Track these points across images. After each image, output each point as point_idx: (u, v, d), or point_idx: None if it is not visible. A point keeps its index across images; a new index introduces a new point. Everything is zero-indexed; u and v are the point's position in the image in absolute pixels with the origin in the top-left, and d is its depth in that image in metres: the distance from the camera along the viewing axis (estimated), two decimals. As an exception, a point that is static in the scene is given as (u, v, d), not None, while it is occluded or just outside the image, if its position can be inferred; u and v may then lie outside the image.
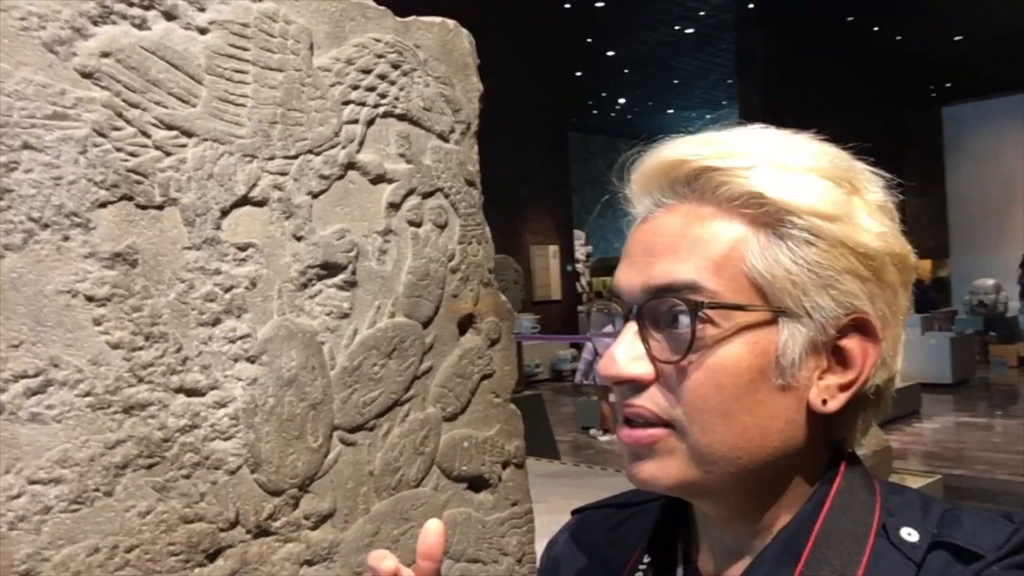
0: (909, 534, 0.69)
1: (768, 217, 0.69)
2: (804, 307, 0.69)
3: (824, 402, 0.71)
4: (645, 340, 0.71)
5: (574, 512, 0.98)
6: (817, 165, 0.71)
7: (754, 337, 0.68)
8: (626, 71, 19.06)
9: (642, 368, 0.70)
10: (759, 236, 0.69)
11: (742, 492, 0.72)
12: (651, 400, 0.70)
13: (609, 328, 0.78)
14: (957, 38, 17.24)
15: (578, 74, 18.65)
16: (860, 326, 0.71)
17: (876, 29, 16.80)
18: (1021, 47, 16.19)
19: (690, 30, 16.58)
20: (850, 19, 16.18)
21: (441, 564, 0.76)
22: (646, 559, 0.81)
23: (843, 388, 0.71)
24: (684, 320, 0.69)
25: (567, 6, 14.34)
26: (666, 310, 0.70)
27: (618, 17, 15.03)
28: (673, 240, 0.71)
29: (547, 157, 17.39)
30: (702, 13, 15.73)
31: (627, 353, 0.70)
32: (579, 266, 19.61)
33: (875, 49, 17.45)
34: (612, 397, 0.77)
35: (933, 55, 17.97)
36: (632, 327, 0.71)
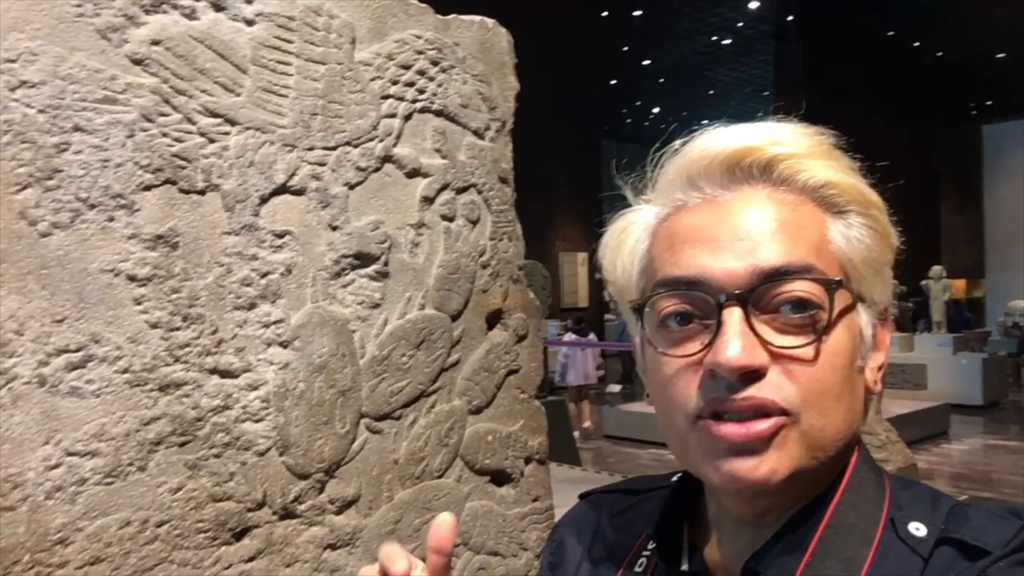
0: (917, 528, 0.69)
1: (838, 207, 0.72)
2: (869, 293, 0.73)
3: (875, 383, 0.74)
4: (752, 326, 0.67)
5: (582, 496, 0.97)
6: (851, 164, 0.75)
7: (848, 319, 0.70)
8: (661, 80, 19.03)
9: (763, 356, 0.66)
10: (836, 223, 0.72)
11: (812, 480, 0.71)
12: (770, 389, 0.66)
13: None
14: (999, 55, 17.01)
15: (613, 82, 18.64)
16: (884, 312, 0.75)
17: (917, 45, 16.63)
18: (1065, 67, 15.93)
19: (727, 41, 16.52)
20: (891, 34, 16.02)
21: (451, 558, 0.72)
22: (651, 545, 0.81)
23: (879, 369, 0.75)
24: (809, 303, 0.68)
25: (604, 14, 14.36)
26: (780, 293, 0.68)
27: (655, 26, 15.02)
28: (772, 223, 0.69)
29: (579, 164, 17.40)
30: (740, 24, 15.67)
31: (745, 341, 0.66)
32: (607, 274, 19.51)
33: (915, 65, 17.26)
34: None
35: (974, 72, 17.74)
36: (736, 313, 0.67)
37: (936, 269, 13.11)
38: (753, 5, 14.77)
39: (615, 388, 13.52)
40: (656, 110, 22.35)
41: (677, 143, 0.77)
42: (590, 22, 14.32)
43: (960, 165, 20.46)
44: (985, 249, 20.64)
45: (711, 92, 19.79)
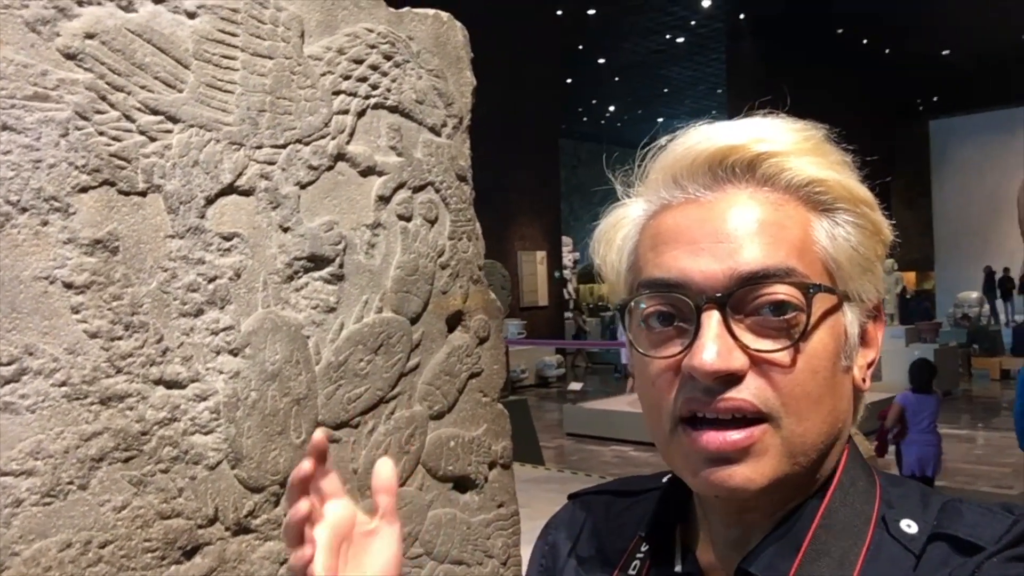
0: (908, 526, 0.69)
1: (824, 204, 0.71)
2: (856, 291, 0.71)
3: (864, 380, 0.73)
4: (730, 330, 0.66)
5: (571, 496, 0.96)
6: (842, 159, 0.73)
7: (832, 321, 0.69)
8: (616, 79, 19.13)
9: (740, 360, 0.66)
10: (822, 222, 0.70)
11: (796, 484, 0.70)
12: (749, 393, 0.66)
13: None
14: (945, 52, 17.40)
15: (568, 81, 18.69)
16: (875, 308, 0.74)
17: (865, 42, 16.94)
18: (1007, 63, 16.36)
19: (681, 39, 16.67)
20: (840, 31, 16.30)
21: (395, 496, 0.79)
22: (644, 547, 0.80)
23: (869, 367, 0.74)
24: (788, 306, 0.66)
25: (559, 12, 14.38)
26: (759, 297, 0.67)
27: (609, 25, 15.08)
28: (753, 225, 0.68)
29: (537, 162, 17.39)
30: (693, 23, 15.81)
31: (721, 345, 0.65)
32: (566, 272, 19.62)
33: (864, 62, 17.59)
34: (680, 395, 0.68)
35: (921, 69, 18.13)
36: (715, 317, 0.66)
37: (888, 262, 13.32)
38: (706, 3, 14.90)
39: (576, 386, 13.54)
40: (612, 108, 22.45)
41: (664, 139, 0.76)
42: (545, 20, 14.32)
43: (909, 160, 20.90)
44: (934, 242, 21.12)
45: (665, 90, 19.95)
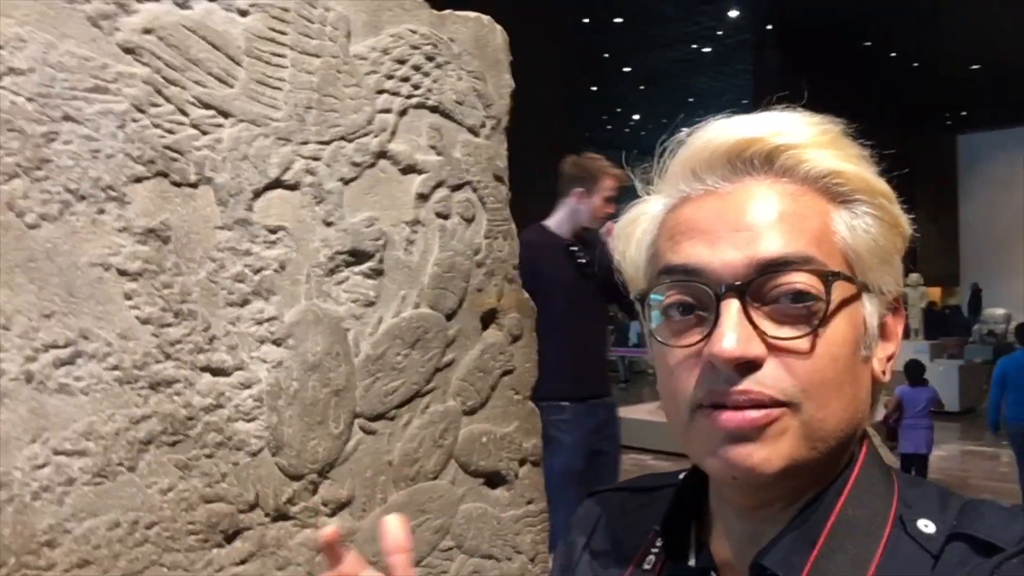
0: (926, 526, 0.69)
1: (843, 196, 0.72)
2: (876, 282, 0.72)
3: (884, 373, 0.74)
4: (750, 318, 0.67)
5: (590, 494, 0.97)
6: (860, 152, 0.75)
7: (851, 310, 0.70)
8: (642, 87, 19.12)
9: (759, 347, 0.66)
10: (841, 213, 0.71)
11: (813, 472, 0.70)
12: (766, 381, 0.67)
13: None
14: (974, 67, 17.25)
15: (593, 88, 18.70)
16: (895, 302, 0.75)
17: (893, 55, 16.83)
18: (1038, 78, 16.19)
19: (707, 49, 16.63)
20: (868, 44, 16.21)
21: (411, 553, 0.76)
22: (659, 542, 0.81)
23: (888, 359, 0.75)
24: (807, 295, 0.67)
25: (585, 20, 14.40)
26: (778, 285, 0.68)
27: (636, 33, 15.09)
28: (772, 214, 0.69)
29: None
30: (720, 32, 15.78)
31: (740, 332, 0.66)
32: (587, 280, 19.60)
33: (892, 75, 17.47)
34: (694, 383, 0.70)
35: (950, 83, 17.98)
36: (734, 305, 0.67)
37: (913, 277, 13.25)
38: (733, 14, 14.88)
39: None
40: (636, 117, 22.44)
41: (683, 133, 0.77)
42: (571, 29, 14.36)
43: (935, 175, 20.71)
44: (960, 257, 20.91)
45: (690, 99, 19.90)
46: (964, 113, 20.86)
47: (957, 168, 21.33)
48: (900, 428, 6.69)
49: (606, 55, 16.46)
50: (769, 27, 15.51)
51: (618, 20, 14.52)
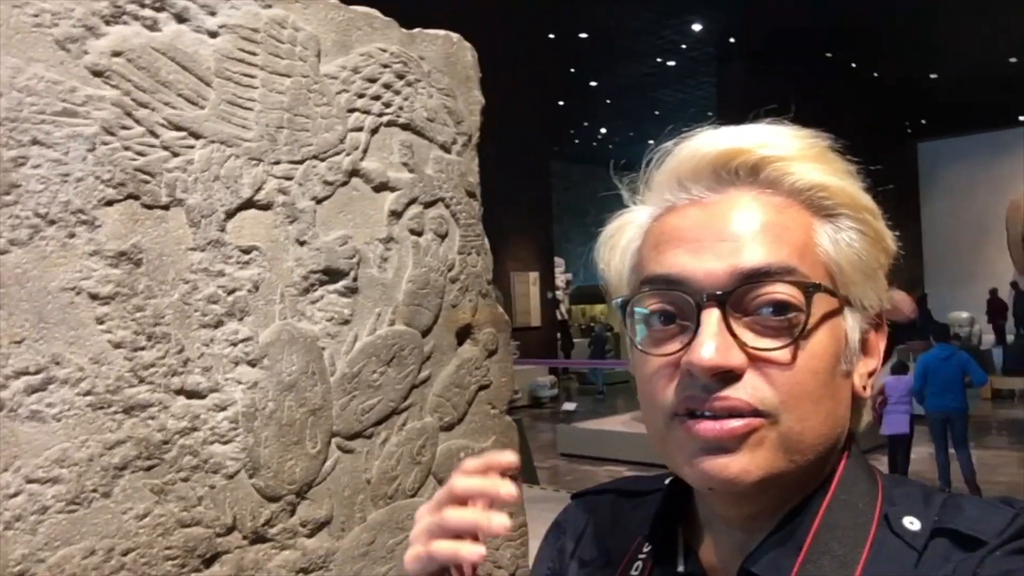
0: (911, 523, 0.70)
1: (827, 210, 0.72)
2: (858, 297, 0.72)
3: (864, 388, 0.74)
4: (730, 328, 0.66)
5: (574, 496, 0.96)
6: (846, 167, 0.75)
7: (832, 323, 0.70)
8: (608, 101, 19.26)
9: (738, 357, 0.66)
10: (825, 227, 0.71)
11: (793, 484, 0.70)
12: (745, 391, 0.66)
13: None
14: (933, 76, 17.62)
15: (561, 103, 18.81)
16: (877, 317, 0.75)
17: (854, 65, 17.13)
18: (995, 86, 16.58)
19: (672, 63, 16.81)
20: (829, 55, 16.49)
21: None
22: (646, 548, 0.81)
23: (869, 375, 0.74)
24: (788, 306, 0.67)
25: (551, 36, 14.50)
26: (759, 295, 0.67)
27: (601, 48, 15.22)
28: (755, 225, 0.69)
29: (529, 184, 17.48)
30: (684, 46, 15.96)
31: (720, 342, 0.65)
32: (559, 293, 19.66)
33: (853, 85, 17.77)
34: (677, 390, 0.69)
35: (909, 92, 18.33)
36: (715, 314, 0.66)
37: (878, 283, 13.40)
38: (696, 28, 15.07)
39: (570, 406, 13.53)
40: (604, 131, 22.60)
41: (670, 143, 0.77)
42: (537, 44, 14.44)
43: (898, 182, 21.05)
44: (924, 263, 21.26)
45: (656, 112, 20.07)
46: (924, 121, 21.27)
47: (919, 176, 21.71)
48: (884, 411, 7.53)
49: (572, 70, 16.58)
50: (732, 40, 15.72)
51: (584, 35, 14.64)
